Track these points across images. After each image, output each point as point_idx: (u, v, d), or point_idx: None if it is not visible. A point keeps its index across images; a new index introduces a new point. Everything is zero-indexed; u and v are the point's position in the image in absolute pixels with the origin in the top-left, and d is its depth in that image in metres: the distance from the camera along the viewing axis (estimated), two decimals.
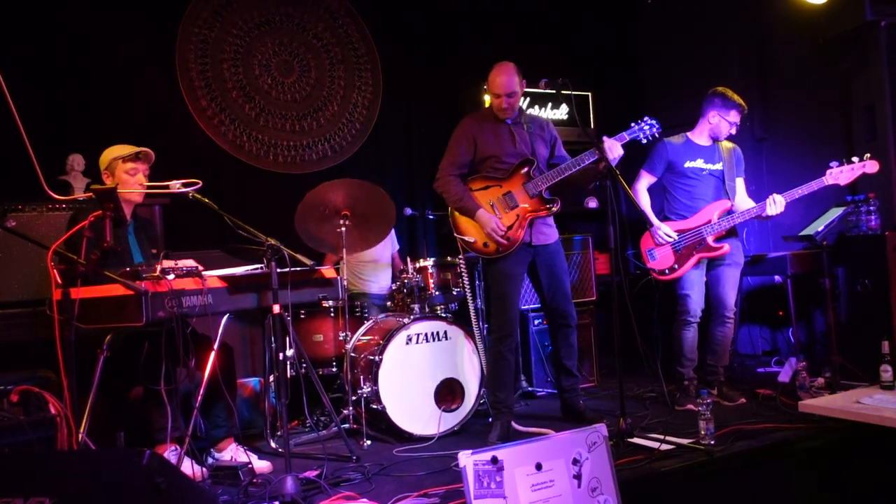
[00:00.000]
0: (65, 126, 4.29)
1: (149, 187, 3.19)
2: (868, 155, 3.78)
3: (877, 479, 3.19)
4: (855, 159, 3.78)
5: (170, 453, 3.00)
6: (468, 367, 3.85)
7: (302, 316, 4.05)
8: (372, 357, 3.67)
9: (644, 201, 4.09)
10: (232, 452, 3.26)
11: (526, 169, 3.62)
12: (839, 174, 3.78)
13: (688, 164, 3.99)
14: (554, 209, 3.64)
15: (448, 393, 3.79)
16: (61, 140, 4.17)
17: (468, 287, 4.06)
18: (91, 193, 2.78)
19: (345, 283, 3.82)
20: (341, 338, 3.87)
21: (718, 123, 3.96)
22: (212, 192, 3.09)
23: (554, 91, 3.50)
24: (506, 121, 3.67)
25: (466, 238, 3.63)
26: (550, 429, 3.45)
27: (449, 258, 4.17)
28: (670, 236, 3.96)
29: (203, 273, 2.81)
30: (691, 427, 3.21)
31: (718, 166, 4.01)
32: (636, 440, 3.17)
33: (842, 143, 4.91)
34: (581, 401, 3.85)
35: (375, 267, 4.73)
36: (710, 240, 3.93)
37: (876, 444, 3.13)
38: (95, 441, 2.71)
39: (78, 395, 2.54)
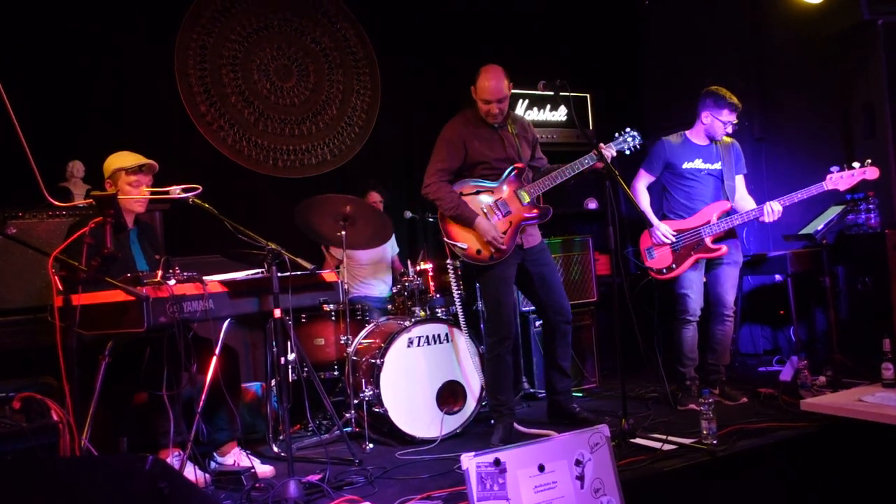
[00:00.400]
0: (64, 133, 4.30)
1: (149, 193, 3.20)
2: (869, 161, 3.76)
3: (879, 477, 3.19)
4: (856, 165, 3.76)
5: (173, 458, 3.01)
6: (469, 369, 3.85)
7: (303, 320, 4.05)
8: (373, 360, 3.67)
9: (643, 200, 4.09)
10: (235, 457, 3.26)
11: (517, 174, 3.59)
12: (839, 179, 3.77)
13: (686, 165, 3.99)
14: (547, 217, 3.61)
15: (450, 395, 3.79)
16: (61, 147, 4.17)
17: (459, 292, 4.02)
18: (91, 200, 2.79)
19: (345, 286, 3.83)
20: (342, 341, 3.87)
21: (711, 123, 3.96)
22: (212, 197, 3.09)
23: (552, 92, 3.50)
24: (493, 124, 3.62)
25: (459, 244, 3.54)
26: (553, 430, 3.45)
27: (449, 261, 4.17)
28: (668, 237, 3.97)
29: (204, 278, 2.81)
30: (693, 427, 3.21)
31: (717, 166, 4.01)
32: (638, 440, 3.17)
33: (841, 142, 4.92)
34: (574, 404, 3.82)
35: (376, 270, 4.73)
36: (708, 241, 3.93)
37: (878, 442, 3.13)
38: (98, 447, 2.71)
39: (80, 401, 2.54)
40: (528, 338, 4.59)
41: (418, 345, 3.75)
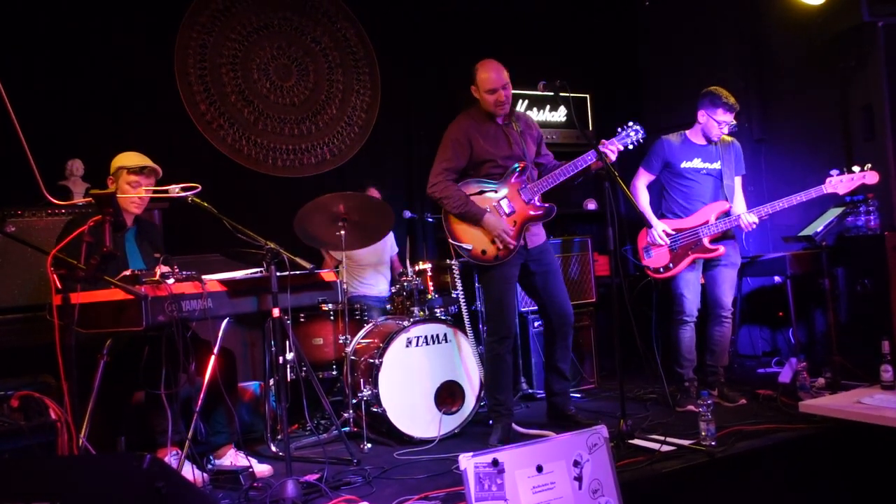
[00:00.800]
0: (64, 131, 4.29)
1: (148, 192, 3.19)
2: (868, 165, 3.77)
3: (878, 479, 3.19)
4: (855, 168, 3.76)
5: (170, 457, 3.01)
6: (468, 369, 3.85)
7: (302, 319, 4.05)
8: (372, 360, 3.67)
9: (642, 199, 4.09)
10: (231, 458, 3.26)
11: (520, 173, 3.59)
12: (838, 183, 3.78)
13: (685, 165, 4.00)
14: (551, 215, 3.61)
15: (448, 395, 3.79)
16: (61, 145, 4.17)
17: (462, 291, 4.03)
18: (90, 198, 2.78)
19: (344, 286, 3.82)
20: (341, 341, 3.87)
21: (707, 122, 3.96)
22: (211, 196, 3.09)
23: (552, 93, 3.50)
24: (497, 120, 3.61)
25: (464, 245, 3.54)
26: (551, 431, 3.46)
27: (448, 261, 4.18)
28: (664, 238, 3.96)
29: (203, 277, 2.81)
30: (692, 428, 3.20)
31: (716, 165, 4.01)
32: (637, 441, 3.17)
33: (840, 144, 4.92)
34: (571, 406, 3.82)
35: (375, 270, 4.73)
36: (705, 241, 3.93)
37: (877, 444, 3.13)
38: (96, 446, 2.71)
39: (78, 399, 2.54)
40: (526, 338, 4.60)
41: (417, 345, 3.75)
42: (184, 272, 2.78)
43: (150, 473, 1.93)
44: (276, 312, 2.91)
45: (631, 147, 3.60)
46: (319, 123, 5.31)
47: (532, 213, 3.58)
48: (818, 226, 4.25)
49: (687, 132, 4.09)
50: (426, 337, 3.78)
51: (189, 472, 2.98)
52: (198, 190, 2.95)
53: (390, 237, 4.80)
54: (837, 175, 3.80)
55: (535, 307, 4.65)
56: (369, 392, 3.64)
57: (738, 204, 4.04)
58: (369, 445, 3.59)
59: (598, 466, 2.45)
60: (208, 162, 4.84)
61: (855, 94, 4.83)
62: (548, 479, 2.37)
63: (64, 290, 2.55)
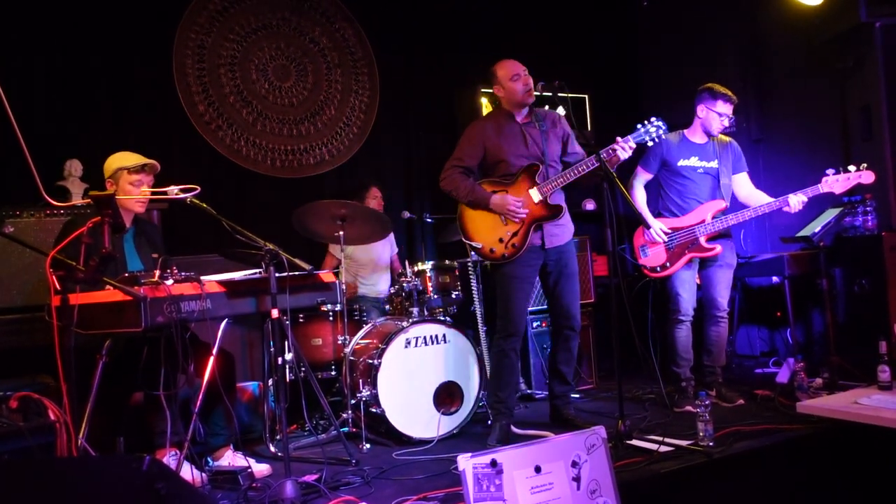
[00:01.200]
0: (62, 132, 4.29)
1: (148, 193, 3.19)
2: (864, 165, 3.77)
3: (875, 479, 3.20)
4: (851, 168, 3.76)
5: (169, 458, 3.00)
6: (467, 370, 3.86)
7: (301, 320, 4.05)
8: (371, 360, 3.67)
9: (640, 198, 4.10)
10: (229, 459, 3.26)
11: (531, 173, 3.57)
12: (834, 182, 3.78)
13: (682, 163, 4.00)
14: (560, 216, 3.60)
15: (447, 396, 3.79)
16: (59, 146, 4.17)
17: (474, 289, 4.07)
18: (89, 199, 2.78)
19: (343, 286, 3.83)
20: (340, 341, 3.87)
21: (707, 116, 3.96)
22: (210, 197, 3.09)
23: (550, 94, 3.50)
24: (517, 119, 3.63)
25: (474, 244, 3.60)
26: (549, 431, 3.46)
27: (447, 261, 4.19)
28: (661, 236, 3.97)
29: (202, 278, 2.81)
30: (690, 428, 3.21)
31: (714, 164, 4.01)
32: (635, 442, 3.18)
33: (838, 144, 4.93)
34: (571, 409, 3.82)
35: (374, 270, 4.73)
36: (702, 240, 3.93)
37: (874, 444, 3.13)
38: (95, 447, 2.71)
39: (77, 400, 2.54)
40: (525, 339, 4.59)
41: (416, 345, 3.75)
42: (182, 273, 2.78)
43: (150, 474, 1.93)
44: (274, 313, 2.91)
45: (650, 143, 3.55)
46: (318, 124, 5.31)
47: (541, 212, 3.57)
48: (816, 226, 4.25)
49: (685, 131, 4.09)
50: (425, 337, 3.79)
51: (188, 472, 2.98)
52: (197, 191, 2.95)
53: (390, 237, 4.81)
54: (833, 174, 3.80)
55: (535, 307, 4.69)
56: (368, 392, 3.64)
57: (754, 197, 4.02)
58: (368, 446, 3.60)
59: (596, 467, 2.45)
60: (207, 163, 4.84)
61: (853, 95, 4.84)
62: (546, 480, 2.37)
63: (63, 291, 2.55)
